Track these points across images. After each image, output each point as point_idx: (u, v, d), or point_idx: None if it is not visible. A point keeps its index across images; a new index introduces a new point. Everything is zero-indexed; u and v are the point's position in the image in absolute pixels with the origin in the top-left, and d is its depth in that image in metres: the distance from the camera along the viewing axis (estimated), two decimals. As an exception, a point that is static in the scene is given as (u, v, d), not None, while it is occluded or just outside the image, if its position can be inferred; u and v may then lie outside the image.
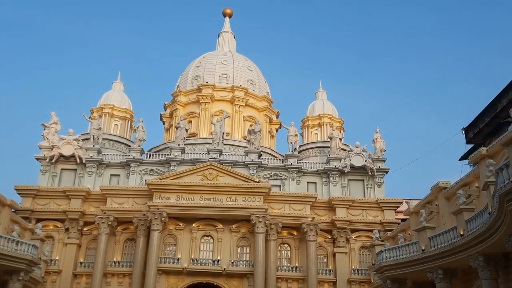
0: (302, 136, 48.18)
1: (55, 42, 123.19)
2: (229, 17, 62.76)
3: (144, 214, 36.18)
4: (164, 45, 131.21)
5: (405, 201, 39.82)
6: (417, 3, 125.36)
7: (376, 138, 41.72)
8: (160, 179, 36.84)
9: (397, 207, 39.21)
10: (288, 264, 36.86)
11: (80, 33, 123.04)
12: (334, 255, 37.36)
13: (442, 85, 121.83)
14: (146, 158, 41.33)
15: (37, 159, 40.28)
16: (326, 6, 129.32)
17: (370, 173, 39.97)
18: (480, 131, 30.80)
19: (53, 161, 39.82)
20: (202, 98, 50.67)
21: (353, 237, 37.65)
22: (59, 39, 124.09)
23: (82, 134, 42.91)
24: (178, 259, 35.88)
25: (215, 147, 41.26)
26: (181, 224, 36.92)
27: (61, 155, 39.95)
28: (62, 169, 40.36)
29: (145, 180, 38.71)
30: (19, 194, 37.83)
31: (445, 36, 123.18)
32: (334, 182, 40.25)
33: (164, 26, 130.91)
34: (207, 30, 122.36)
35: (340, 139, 42.91)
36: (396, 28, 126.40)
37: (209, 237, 36.96)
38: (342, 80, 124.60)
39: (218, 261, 35.98)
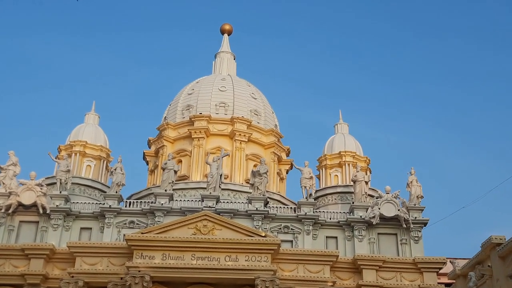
0: (319, 179, 48.10)
1: (12, 64, 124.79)
2: (228, 35, 63.88)
3: (121, 278, 35.68)
4: (149, 68, 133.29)
5: (450, 261, 39.45)
6: (459, 27, 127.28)
7: (411, 182, 41.55)
8: (142, 233, 36.54)
9: (440, 268, 38.54)
10: None
11: (45, 54, 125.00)
12: (361, 329, 36.70)
13: (492, 118, 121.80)
14: (125, 207, 41.16)
15: (-10, 209, 40.13)
16: (346, 23, 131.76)
17: (404, 226, 39.60)
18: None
19: (10, 211, 39.63)
20: (195, 132, 50.94)
21: (385, 306, 36.98)
22: (17, 61, 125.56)
23: (46, 178, 42.84)
24: (164, 336, 35.26)
25: (210, 193, 41.16)
26: (168, 291, 36.39)
27: (20, 204, 39.75)
28: (20, 221, 40.09)
29: (124, 235, 38.32)
30: (-34, 252, 37.49)
31: (496, 59, 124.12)
32: (360, 237, 39.89)
33: (148, 46, 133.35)
34: (201, 50, 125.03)
35: (366, 183, 42.76)
36: (433, 49, 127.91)
37: (203, 307, 36.34)
38: (367, 110, 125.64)
39: (214, 338, 35.39)
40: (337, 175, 47.28)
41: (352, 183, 43.15)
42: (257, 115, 54.09)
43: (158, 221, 39.60)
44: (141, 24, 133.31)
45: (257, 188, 41.60)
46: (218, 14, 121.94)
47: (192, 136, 50.92)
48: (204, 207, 40.02)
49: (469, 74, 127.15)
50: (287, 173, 55.13)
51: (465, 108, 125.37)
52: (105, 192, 43.12)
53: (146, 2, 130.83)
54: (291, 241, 39.91)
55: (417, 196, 41.01)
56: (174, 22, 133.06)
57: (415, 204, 40.68)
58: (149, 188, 48.59)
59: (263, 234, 36.88)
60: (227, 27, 64.32)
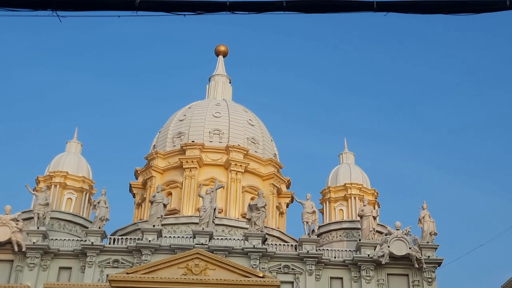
0: (322, 214, 47.79)
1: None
2: (224, 57, 64.21)
3: (103, 324, 35.16)
4: (136, 92, 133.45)
5: (467, 304, 39.07)
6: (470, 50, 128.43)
7: (423, 217, 41.33)
8: (127, 273, 36.11)
9: (456, 312, 38.25)
10: None
11: (25, 79, 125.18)
12: None
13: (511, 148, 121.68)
14: (109, 244, 40.78)
15: (-40, 247, 39.71)
16: (350, 47, 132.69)
17: (417, 265, 39.15)
18: None
19: (-18, 249, 39.26)
20: (187, 162, 50.76)
21: None
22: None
23: (23, 212, 42.54)
24: None
25: (203, 229, 40.80)
26: (155, 338, 35.78)
27: (-7, 241, 39.40)
28: (-7, 260, 39.71)
29: (107, 275, 37.91)
30: None
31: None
32: (368, 278, 39.39)
33: (135, 68, 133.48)
34: (194, 72, 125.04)
35: (374, 218, 42.59)
36: (442, 76, 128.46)
37: None
38: (374, 138, 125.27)
39: None
40: (342, 210, 47.05)
41: (358, 218, 42.82)
42: (254, 143, 54.01)
43: (145, 260, 39.03)
44: (128, 45, 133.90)
45: (255, 224, 41.16)
46: (213, 34, 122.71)
47: (184, 166, 50.68)
48: (196, 244, 39.59)
49: (486, 98, 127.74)
50: (287, 207, 54.86)
51: (482, 137, 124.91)
52: (87, 227, 42.79)
53: (131, 22, 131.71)
54: (292, 282, 39.44)
55: (430, 233, 40.73)
56: (163, 42, 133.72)
57: (428, 242, 40.33)
58: (135, 223, 48.24)
59: (261, 275, 36.51)
60: (222, 48, 64.66)
